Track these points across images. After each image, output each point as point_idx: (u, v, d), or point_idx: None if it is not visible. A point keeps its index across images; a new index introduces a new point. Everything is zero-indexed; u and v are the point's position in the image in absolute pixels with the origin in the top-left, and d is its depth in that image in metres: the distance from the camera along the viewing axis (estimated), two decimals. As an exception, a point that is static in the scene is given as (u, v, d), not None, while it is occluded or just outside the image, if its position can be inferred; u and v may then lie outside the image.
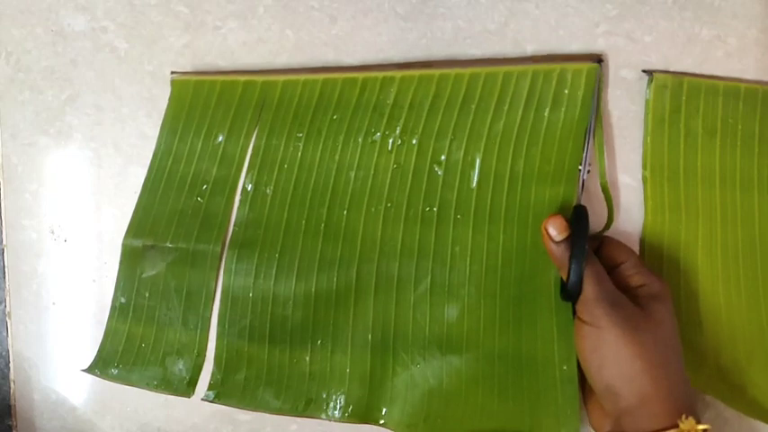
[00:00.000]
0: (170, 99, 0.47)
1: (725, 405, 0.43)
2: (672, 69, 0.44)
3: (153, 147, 0.48)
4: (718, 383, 0.42)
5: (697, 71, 0.44)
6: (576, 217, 0.41)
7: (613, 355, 0.37)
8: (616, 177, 0.44)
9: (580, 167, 0.43)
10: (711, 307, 0.43)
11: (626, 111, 0.44)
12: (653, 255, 0.44)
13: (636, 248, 0.44)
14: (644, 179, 0.44)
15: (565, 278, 0.40)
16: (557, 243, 0.40)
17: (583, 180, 0.43)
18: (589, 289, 0.39)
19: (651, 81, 0.43)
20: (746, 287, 0.43)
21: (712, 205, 0.43)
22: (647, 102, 0.44)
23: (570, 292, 0.39)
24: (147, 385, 0.47)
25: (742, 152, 0.43)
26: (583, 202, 0.43)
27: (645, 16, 0.44)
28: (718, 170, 0.43)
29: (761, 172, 0.43)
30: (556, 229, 0.40)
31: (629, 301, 0.39)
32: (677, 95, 0.43)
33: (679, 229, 0.43)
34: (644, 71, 0.44)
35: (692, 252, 0.43)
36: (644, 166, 0.44)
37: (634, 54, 0.44)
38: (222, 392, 0.46)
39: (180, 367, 0.47)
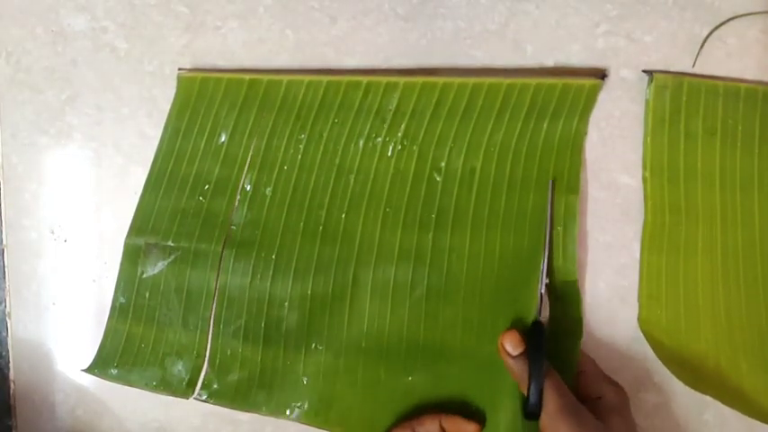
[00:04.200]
0: (175, 95, 0.47)
1: (724, 405, 0.43)
2: (672, 69, 0.44)
3: (153, 147, 0.48)
4: (718, 384, 0.42)
5: (697, 71, 0.44)
6: (534, 332, 0.41)
7: None
8: (616, 177, 0.44)
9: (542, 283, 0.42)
10: (711, 307, 0.43)
11: (626, 111, 0.44)
12: (653, 255, 0.43)
13: (636, 249, 0.44)
14: (644, 179, 0.44)
15: (525, 394, 0.39)
16: (513, 358, 0.40)
17: (541, 293, 0.42)
18: (552, 404, 0.38)
19: (651, 81, 0.43)
20: (746, 287, 0.43)
21: (712, 206, 0.43)
22: (647, 102, 0.44)
23: (531, 412, 0.38)
24: (147, 386, 0.47)
25: (742, 152, 0.43)
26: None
27: (645, 16, 0.44)
28: (718, 170, 0.43)
29: (761, 172, 0.43)
30: (511, 345, 0.40)
31: (590, 413, 0.38)
32: (677, 96, 0.43)
33: (679, 229, 0.43)
34: (644, 71, 0.44)
35: (692, 252, 0.43)
36: (644, 167, 0.44)
37: (634, 54, 0.44)
38: (215, 392, 0.46)
39: (179, 368, 0.46)
